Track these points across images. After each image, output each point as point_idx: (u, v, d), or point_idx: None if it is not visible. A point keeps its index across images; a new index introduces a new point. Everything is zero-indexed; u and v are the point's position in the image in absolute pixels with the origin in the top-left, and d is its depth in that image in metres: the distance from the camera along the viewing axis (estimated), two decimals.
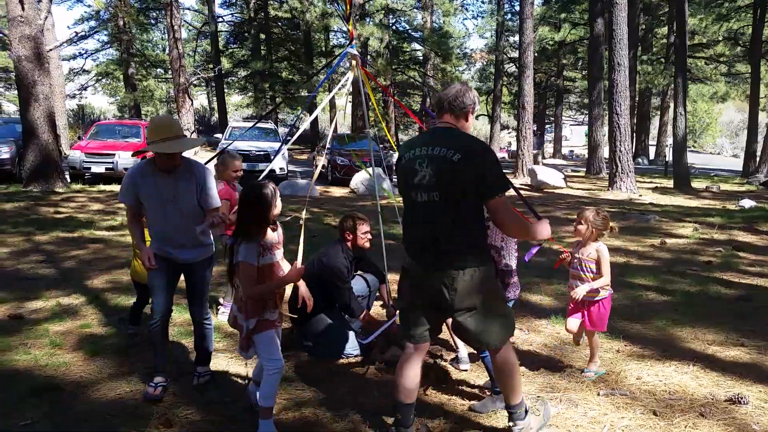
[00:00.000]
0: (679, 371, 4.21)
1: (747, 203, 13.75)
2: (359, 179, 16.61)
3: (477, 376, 4.21)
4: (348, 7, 4.86)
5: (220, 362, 4.40)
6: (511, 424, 3.21)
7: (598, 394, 3.84)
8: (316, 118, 38.31)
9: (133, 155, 13.96)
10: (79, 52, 35.81)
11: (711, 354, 4.53)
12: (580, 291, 3.92)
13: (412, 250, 3.10)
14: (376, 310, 5.50)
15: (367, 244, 4.67)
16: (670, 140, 23.86)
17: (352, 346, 4.53)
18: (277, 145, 18.20)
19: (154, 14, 37.38)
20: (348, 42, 4.85)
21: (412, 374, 3.12)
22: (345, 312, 4.65)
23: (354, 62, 4.84)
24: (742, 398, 3.70)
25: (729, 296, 6.05)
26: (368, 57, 29.47)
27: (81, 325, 5.13)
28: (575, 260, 4.05)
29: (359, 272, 5.01)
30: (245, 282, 3.21)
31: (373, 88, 4.87)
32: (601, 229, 3.97)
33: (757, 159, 23.86)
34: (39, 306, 5.65)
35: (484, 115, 39.10)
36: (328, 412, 3.64)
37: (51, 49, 17.84)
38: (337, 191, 16.72)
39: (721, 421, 3.51)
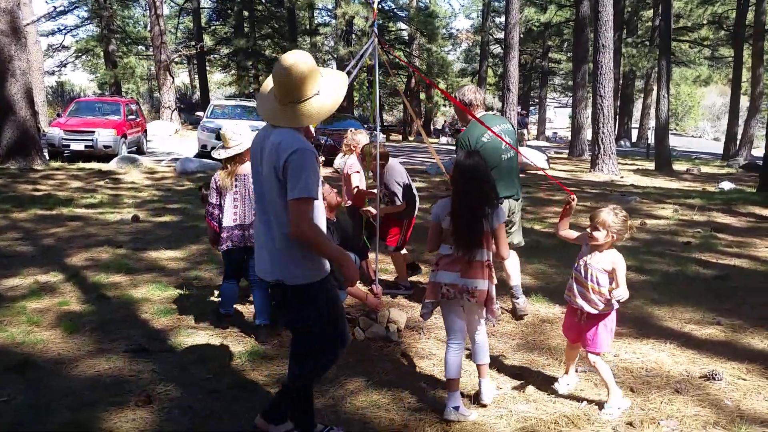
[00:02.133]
0: (656, 349, 4.27)
1: (727, 185, 13.91)
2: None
3: None
4: None
5: (200, 339, 4.39)
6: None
7: (576, 371, 3.89)
8: None
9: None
10: (58, 28, 35.19)
11: (687, 332, 4.60)
12: (617, 294, 3.24)
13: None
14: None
15: (338, 202, 4.60)
16: (652, 123, 24.03)
17: None
18: (259, 124, 18.02)
19: None
20: (371, 24, 4.87)
21: None
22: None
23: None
24: (716, 375, 3.77)
25: (706, 276, 6.14)
26: (353, 36, 29.22)
27: (59, 302, 5.08)
28: (581, 264, 3.42)
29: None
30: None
31: (397, 66, 4.90)
32: (621, 232, 3.31)
33: (738, 142, 24.13)
34: (16, 283, 5.58)
35: None
36: None
37: (28, 24, 17.44)
38: (320, 171, 16.62)
39: (695, 396, 3.57)
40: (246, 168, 4.36)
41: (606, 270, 3.32)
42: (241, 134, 4.40)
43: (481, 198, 3.24)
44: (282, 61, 2.63)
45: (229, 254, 4.55)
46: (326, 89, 2.74)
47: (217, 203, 4.49)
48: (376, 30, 4.64)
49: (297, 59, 2.63)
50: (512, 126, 4.95)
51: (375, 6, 4.76)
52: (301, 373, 2.96)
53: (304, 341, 2.94)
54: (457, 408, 3.30)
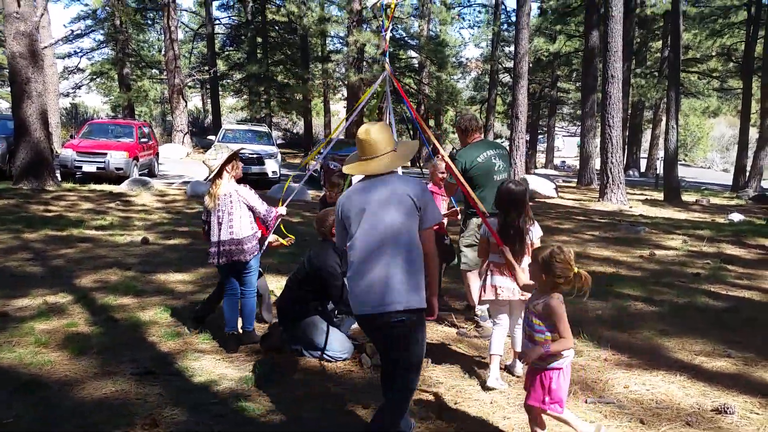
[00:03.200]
0: (666, 381, 4.22)
1: (736, 217, 13.84)
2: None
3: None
4: (388, 22, 4.93)
5: (206, 363, 4.38)
6: None
7: (586, 402, 3.85)
8: (310, 123, 38.32)
9: None
10: (75, 51, 35.66)
11: (698, 364, 4.55)
12: (531, 354, 3.03)
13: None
14: None
15: None
16: (661, 153, 24.02)
17: (341, 349, 4.52)
18: (270, 148, 18.17)
19: (151, 15, 37.31)
20: (381, 53, 5.03)
21: None
22: (340, 310, 4.64)
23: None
24: (728, 408, 3.72)
25: (716, 308, 6.09)
26: (364, 63, 29.55)
27: (67, 324, 5.09)
28: (526, 309, 3.24)
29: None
30: None
31: (407, 93, 5.05)
32: (557, 275, 3.01)
33: (747, 174, 24.03)
34: (25, 304, 5.60)
35: None
36: (315, 415, 3.62)
37: (46, 47, 17.75)
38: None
39: (707, 430, 3.52)
40: (225, 189, 4.63)
41: (538, 312, 3.06)
42: (215, 158, 4.65)
43: (519, 216, 4.03)
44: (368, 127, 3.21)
45: (219, 269, 4.83)
46: (401, 148, 3.28)
47: (207, 220, 4.80)
48: (387, 60, 4.72)
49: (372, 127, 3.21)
50: (506, 150, 5.56)
51: (386, 36, 4.84)
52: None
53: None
54: (497, 378, 4.02)
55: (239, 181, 4.81)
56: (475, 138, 5.29)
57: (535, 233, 4.12)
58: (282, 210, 4.96)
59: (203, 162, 4.74)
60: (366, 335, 3.65)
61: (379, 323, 2.96)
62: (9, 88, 16.14)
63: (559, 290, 3.07)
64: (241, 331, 4.84)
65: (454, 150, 35.06)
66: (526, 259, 3.93)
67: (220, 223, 4.64)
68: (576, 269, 3.02)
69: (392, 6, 4.96)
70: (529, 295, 3.41)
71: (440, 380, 4.22)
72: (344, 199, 3.15)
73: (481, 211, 4.46)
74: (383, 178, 3.11)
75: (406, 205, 3.00)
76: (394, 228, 2.97)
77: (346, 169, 3.29)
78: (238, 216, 4.63)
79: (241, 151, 4.98)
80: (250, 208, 4.68)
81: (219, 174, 4.66)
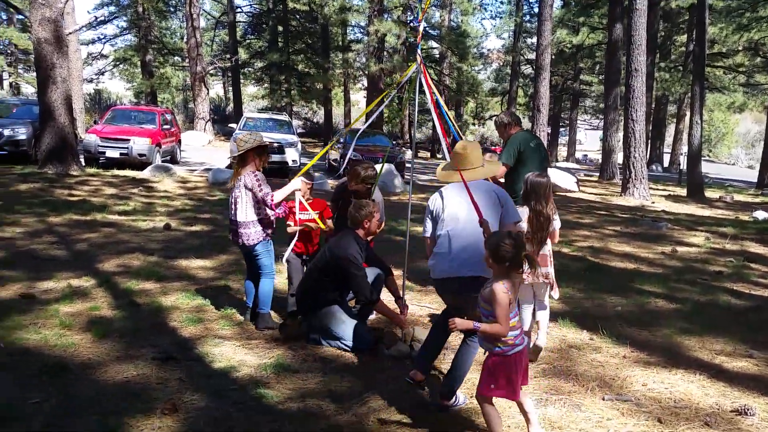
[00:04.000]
0: (686, 380, 4.19)
1: (761, 215, 13.62)
2: None
3: None
4: (422, 15, 4.95)
5: (226, 349, 4.44)
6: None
7: (603, 399, 3.83)
8: (330, 112, 38.33)
9: None
10: (98, 37, 36.05)
11: (718, 364, 4.50)
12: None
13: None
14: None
15: (378, 230, 4.76)
16: (684, 148, 23.64)
17: (359, 339, 4.54)
18: (290, 137, 18.22)
19: (174, 2, 37.53)
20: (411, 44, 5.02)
21: None
22: (360, 300, 4.66)
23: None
24: (748, 409, 3.68)
25: (739, 307, 6.01)
26: (385, 53, 29.46)
27: (90, 307, 5.18)
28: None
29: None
30: None
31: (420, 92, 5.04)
32: (504, 259, 3.05)
33: None
34: (50, 287, 5.71)
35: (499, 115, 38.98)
36: (332, 404, 3.66)
37: (70, 33, 17.95)
38: None
39: (726, 431, 3.49)
40: (245, 171, 4.75)
41: (485, 298, 3.10)
42: (247, 141, 4.75)
43: (547, 204, 4.27)
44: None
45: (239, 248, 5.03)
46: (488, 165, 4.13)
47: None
48: (419, 52, 4.72)
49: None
50: (542, 142, 5.93)
51: (420, 28, 4.83)
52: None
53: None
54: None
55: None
56: (517, 130, 5.62)
57: (555, 224, 4.38)
58: (296, 183, 4.98)
59: (235, 139, 4.77)
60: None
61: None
62: (35, 74, 16.35)
63: (510, 277, 3.09)
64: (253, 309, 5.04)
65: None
66: (549, 246, 4.39)
67: (231, 204, 4.86)
68: (524, 255, 3.10)
69: None
70: (551, 278, 4.34)
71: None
72: (438, 197, 3.91)
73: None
74: (471, 183, 3.81)
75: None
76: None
77: (442, 177, 4.07)
78: (244, 201, 4.77)
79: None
80: (251, 192, 4.75)
81: (244, 160, 4.78)
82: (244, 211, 4.78)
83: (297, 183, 4.99)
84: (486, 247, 3.17)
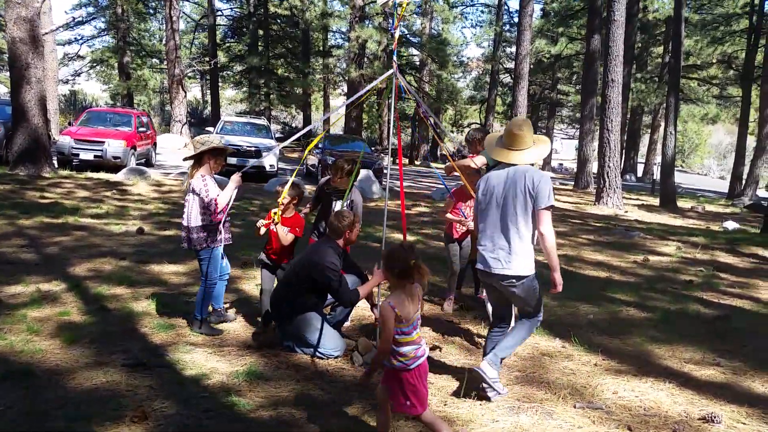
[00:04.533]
0: (655, 388, 4.24)
1: (731, 225, 13.90)
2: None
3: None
4: (397, 21, 4.92)
5: (198, 356, 4.39)
6: None
7: (575, 407, 3.87)
8: (309, 118, 38.26)
9: None
10: (75, 38, 35.65)
11: (687, 372, 4.57)
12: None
13: None
14: (359, 312, 5.50)
15: (355, 238, 4.72)
16: (658, 158, 24.02)
17: (333, 347, 4.52)
18: (268, 141, 18.14)
19: (153, 4, 37.23)
20: (390, 51, 5.01)
21: None
22: (343, 305, 4.65)
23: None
24: (715, 417, 3.74)
25: (707, 316, 6.12)
26: (365, 59, 29.51)
27: (60, 312, 5.09)
28: None
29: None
30: None
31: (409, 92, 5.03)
32: (394, 269, 3.12)
33: (743, 182, 24.13)
34: (18, 291, 5.60)
35: (476, 123, 39.25)
36: (305, 412, 3.63)
37: (47, 33, 17.66)
38: None
39: None
40: (197, 174, 4.69)
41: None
42: (204, 144, 4.69)
43: None
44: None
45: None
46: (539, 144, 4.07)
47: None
48: (395, 59, 4.72)
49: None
50: None
51: (396, 35, 4.83)
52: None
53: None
54: None
55: (225, 173, 4.80)
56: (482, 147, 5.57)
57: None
58: (235, 180, 4.72)
59: (193, 141, 4.77)
60: None
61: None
62: (8, 73, 16.06)
63: (401, 288, 3.10)
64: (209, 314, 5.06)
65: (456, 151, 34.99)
66: None
67: (183, 207, 4.79)
68: (412, 263, 3.06)
69: (404, 5, 4.95)
70: None
71: (431, 381, 4.23)
72: (485, 180, 4.06)
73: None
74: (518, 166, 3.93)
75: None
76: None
77: (492, 153, 4.12)
78: (191, 204, 4.71)
79: (238, 144, 4.96)
80: (198, 196, 4.65)
81: (199, 161, 4.71)
82: (190, 215, 4.70)
83: (236, 180, 4.72)
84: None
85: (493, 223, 3.93)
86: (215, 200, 4.61)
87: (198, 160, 4.70)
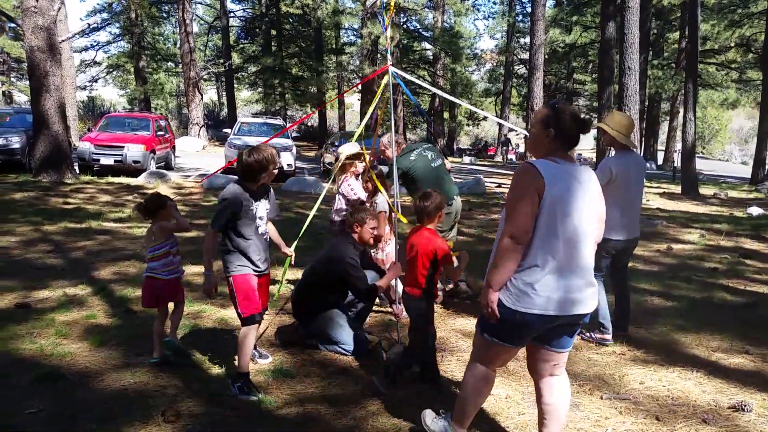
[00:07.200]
0: (683, 377, 4.20)
1: (755, 211, 13.68)
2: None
3: None
4: (388, 20, 4.94)
5: (223, 356, 4.42)
6: None
7: (601, 398, 3.84)
8: (325, 116, 38.35)
9: None
10: (91, 44, 36.03)
11: (715, 361, 4.52)
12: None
13: None
14: (378, 310, 5.51)
15: (372, 241, 4.68)
16: (678, 146, 23.69)
17: (357, 344, 4.53)
18: (285, 141, 18.22)
19: (166, 8, 37.55)
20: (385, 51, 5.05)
21: None
22: (362, 299, 4.65)
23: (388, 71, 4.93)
24: (745, 406, 3.69)
25: (734, 303, 6.04)
26: (378, 55, 29.49)
27: (87, 315, 5.17)
28: None
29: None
30: None
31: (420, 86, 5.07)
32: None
33: (767, 167, 23.70)
34: (46, 295, 5.69)
35: (493, 116, 39.06)
36: (330, 409, 3.65)
37: (63, 40, 17.92)
38: None
39: (723, 428, 3.50)
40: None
41: None
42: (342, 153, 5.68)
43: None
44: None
45: None
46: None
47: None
48: (390, 57, 4.73)
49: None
50: (433, 145, 6.44)
51: (387, 34, 4.85)
52: None
53: None
54: None
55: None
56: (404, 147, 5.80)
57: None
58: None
59: (339, 152, 5.62)
60: None
61: None
62: (27, 82, 16.30)
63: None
64: None
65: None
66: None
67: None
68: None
69: (391, 5, 4.97)
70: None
71: (454, 373, 4.23)
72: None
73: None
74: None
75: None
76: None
77: (619, 138, 5.11)
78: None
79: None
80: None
81: (342, 169, 5.63)
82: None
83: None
84: None
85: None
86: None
87: (342, 168, 5.55)
